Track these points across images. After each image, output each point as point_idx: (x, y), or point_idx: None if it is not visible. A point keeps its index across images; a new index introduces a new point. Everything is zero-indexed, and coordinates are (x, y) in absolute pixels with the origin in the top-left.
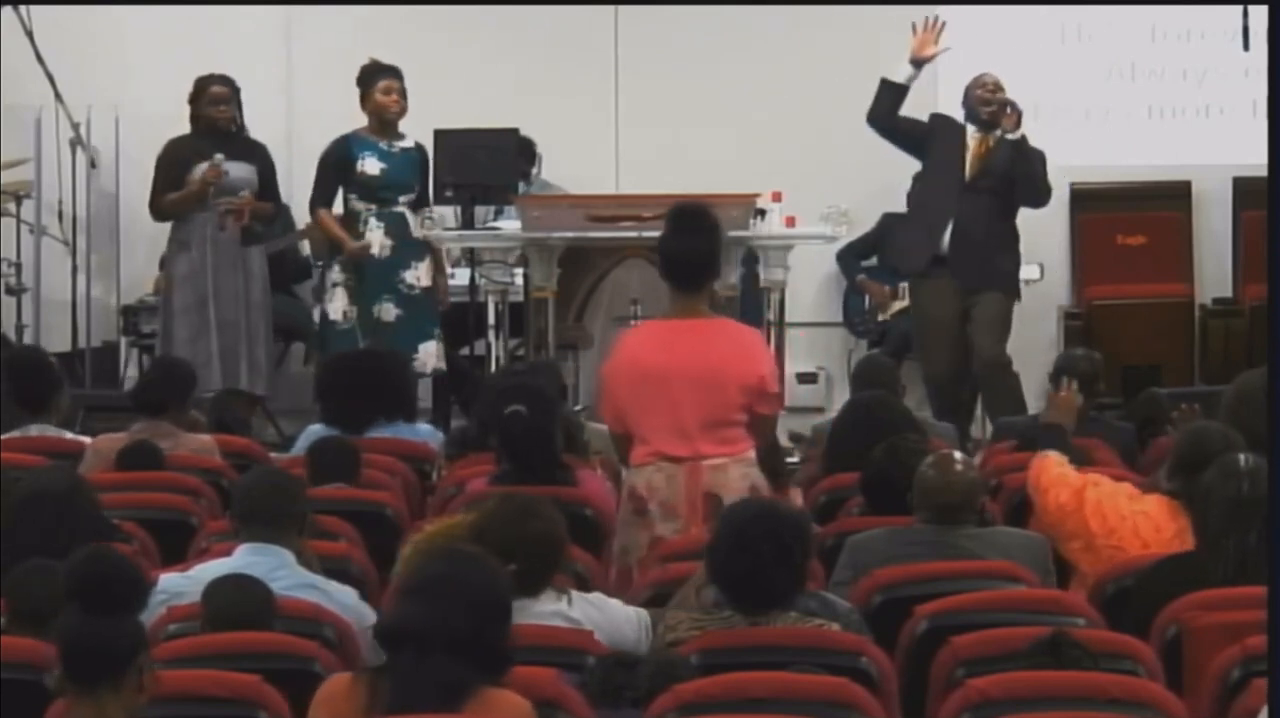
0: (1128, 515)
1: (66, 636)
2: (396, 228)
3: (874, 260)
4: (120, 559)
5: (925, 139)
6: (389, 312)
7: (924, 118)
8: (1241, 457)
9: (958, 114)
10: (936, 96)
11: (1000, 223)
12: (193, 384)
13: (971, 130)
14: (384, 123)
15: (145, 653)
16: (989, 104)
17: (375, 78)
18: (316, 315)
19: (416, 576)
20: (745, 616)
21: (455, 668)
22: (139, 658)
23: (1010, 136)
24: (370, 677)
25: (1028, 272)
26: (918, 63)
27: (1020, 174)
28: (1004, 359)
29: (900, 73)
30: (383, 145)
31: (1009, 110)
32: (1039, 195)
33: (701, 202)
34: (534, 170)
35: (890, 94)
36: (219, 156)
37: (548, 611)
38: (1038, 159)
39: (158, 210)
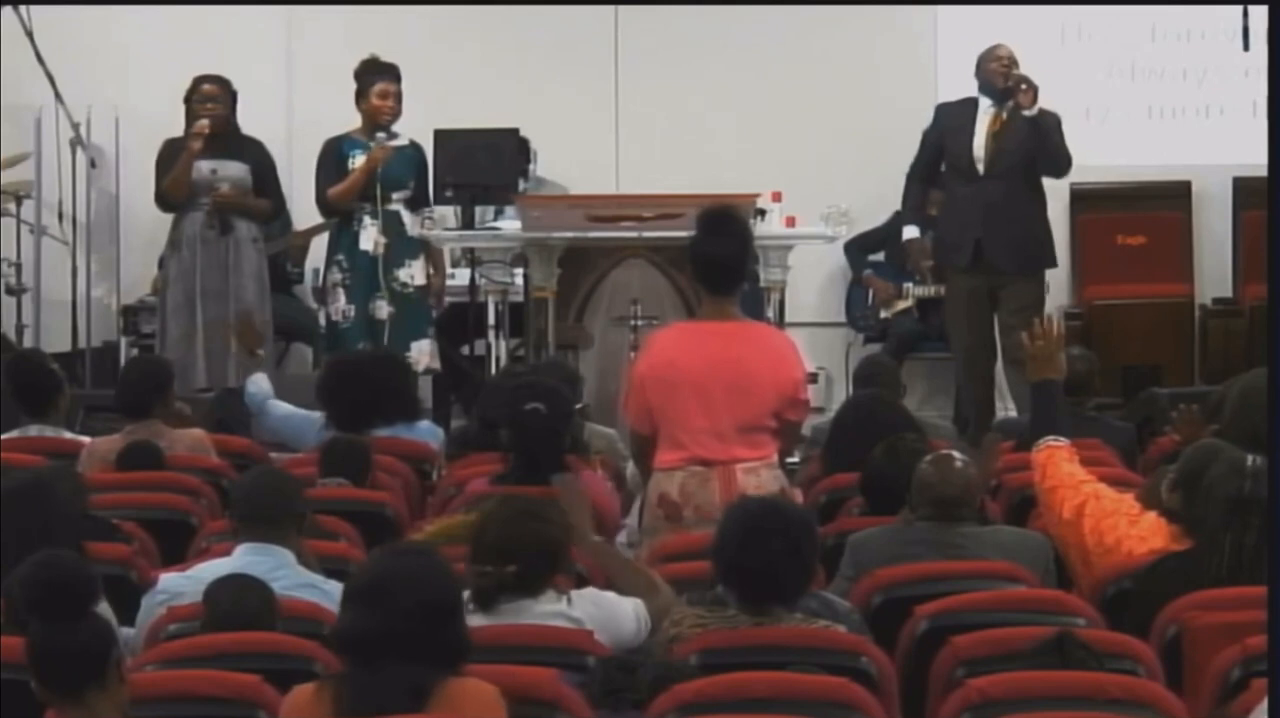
0: (1124, 538)
1: (36, 649)
2: (391, 226)
3: (881, 255)
4: (68, 561)
5: (942, 141)
6: (382, 309)
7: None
8: (1250, 457)
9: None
10: (936, 95)
11: (1028, 202)
12: (170, 379)
13: (985, 105)
14: (377, 126)
15: (118, 647)
16: (1005, 78)
17: (372, 79)
18: (322, 319)
19: (363, 579)
20: (751, 614)
21: (414, 668)
22: (114, 653)
23: (1028, 113)
24: (334, 683)
25: None
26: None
27: (1039, 150)
28: None
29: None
30: (372, 144)
31: (1024, 86)
32: (1060, 167)
33: (729, 203)
34: (530, 168)
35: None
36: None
37: (548, 611)
38: (1054, 128)
39: (160, 200)
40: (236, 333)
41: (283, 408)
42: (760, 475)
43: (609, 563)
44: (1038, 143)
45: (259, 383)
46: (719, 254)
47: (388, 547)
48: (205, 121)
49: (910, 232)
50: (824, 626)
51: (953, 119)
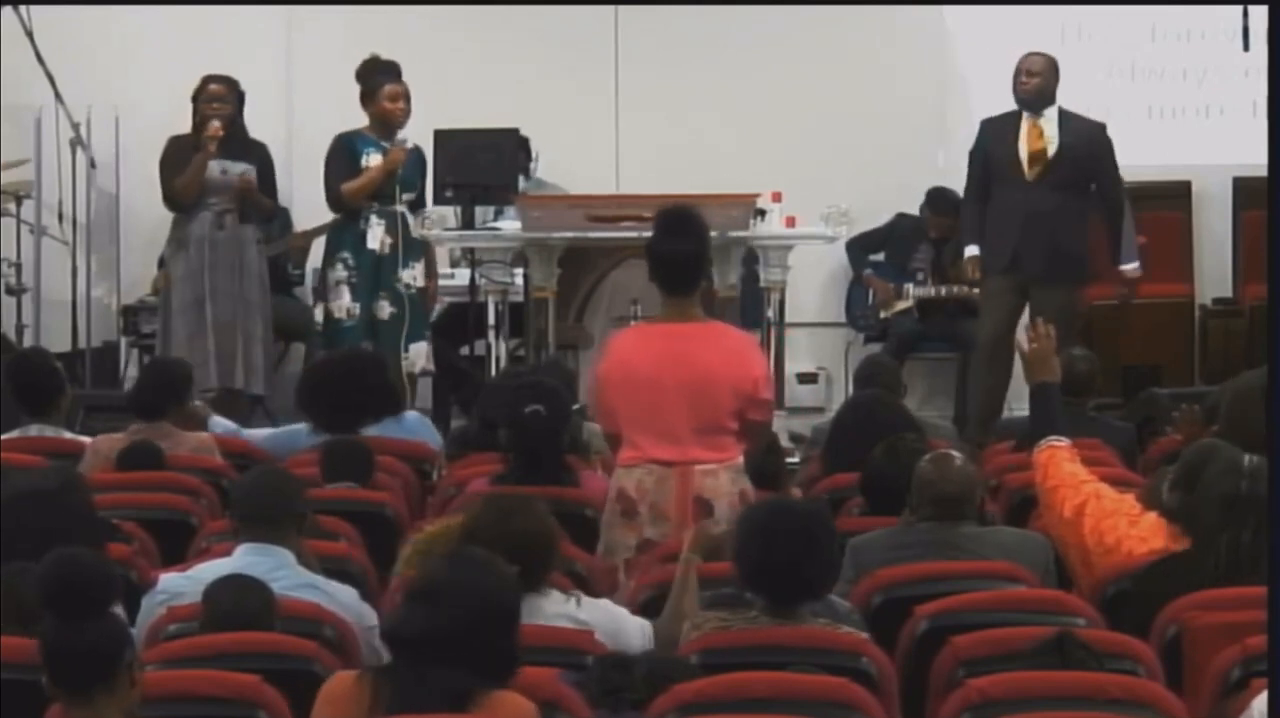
0: (1124, 538)
1: (50, 645)
2: (397, 227)
3: (881, 256)
4: (90, 560)
5: (986, 153)
6: (384, 309)
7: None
8: (1246, 456)
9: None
10: (944, 101)
11: (1069, 210)
12: (189, 383)
13: (1025, 116)
14: (388, 128)
15: (132, 650)
16: (1026, 86)
17: (379, 80)
18: (319, 315)
19: (423, 578)
20: (772, 615)
21: (459, 672)
22: (126, 656)
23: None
24: (374, 677)
25: None
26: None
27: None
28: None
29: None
30: (386, 145)
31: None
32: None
33: (687, 203)
34: (532, 166)
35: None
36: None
37: (556, 612)
38: (1110, 178)
39: (171, 200)
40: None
41: (262, 432)
42: (719, 478)
43: (685, 583)
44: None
45: (219, 423)
46: (678, 254)
47: (455, 551)
48: (218, 123)
49: (971, 250)
50: (847, 632)
51: (997, 130)
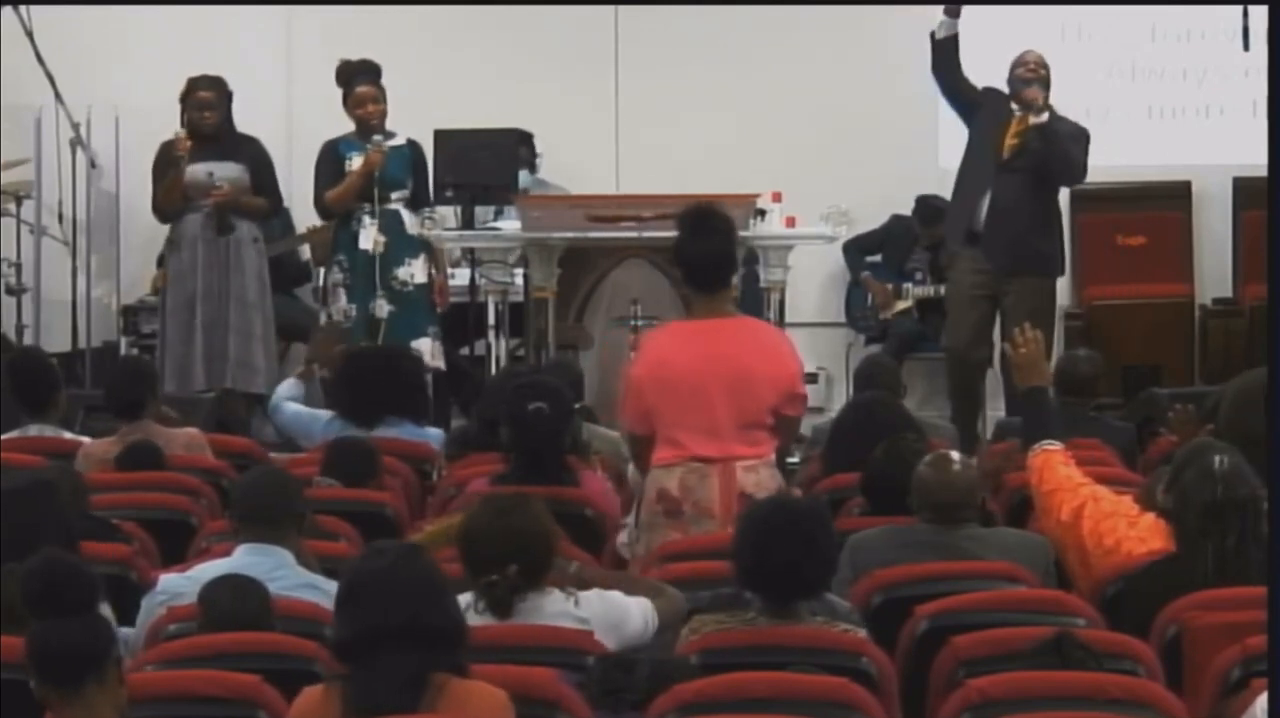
0: (1124, 540)
1: (38, 646)
2: (389, 225)
3: (878, 257)
4: (70, 563)
5: (975, 109)
6: (381, 308)
7: (939, 127)
8: (1216, 458)
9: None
10: (936, 95)
11: (1036, 202)
12: (156, 377)
13: (1015, 108)
14: (365, 130)
15: (117, 647)
16: (1028, 83)
17: (351, 84)
18: (322, 319)
19: (344, 585)
20: (770, 615)
21: (410, 660)
22: (112, 653)
23: (1035, 120)
24: (340, 684)
25: None
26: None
27: (1049, 156)
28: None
29: (940, 26)
30: (368, 147)
31: (1031, 93)
32: (1069, 175)
33: (710, 201)
34: (537, 161)
35: (939, 50)
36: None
37: (556, 611)
38: (1070, 137)
39: (156, 209)
40: (317, 343)
41: (292, 407)
42: (759, 473)
43: (603, 582)
44: (1050, 148)
45: (289, 387)
46: (708, 252)
47: (364, 550)
48: (183, 133)
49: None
50: (845, 629)
51: (992, 102)
